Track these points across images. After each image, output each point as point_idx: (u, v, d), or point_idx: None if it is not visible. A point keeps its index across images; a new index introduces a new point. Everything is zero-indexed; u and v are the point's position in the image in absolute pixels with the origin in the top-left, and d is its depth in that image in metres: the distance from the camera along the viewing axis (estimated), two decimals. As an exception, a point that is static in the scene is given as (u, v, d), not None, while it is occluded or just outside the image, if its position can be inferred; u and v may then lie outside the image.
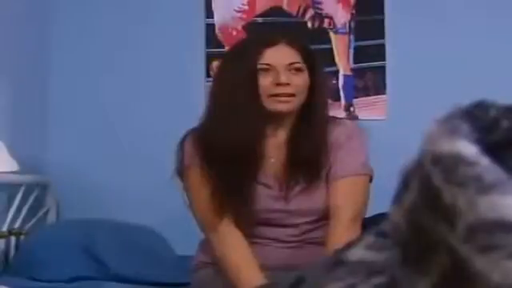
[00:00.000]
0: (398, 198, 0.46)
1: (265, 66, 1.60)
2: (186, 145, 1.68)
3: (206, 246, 1.70)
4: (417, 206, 0.43)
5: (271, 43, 1.62)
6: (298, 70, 1.61)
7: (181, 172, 1.70)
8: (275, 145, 1.66)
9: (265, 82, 1.59)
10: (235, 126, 1.58)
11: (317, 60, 1.68)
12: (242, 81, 1.59)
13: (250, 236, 1.64)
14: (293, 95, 1.60)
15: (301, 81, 1.61)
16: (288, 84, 1.59)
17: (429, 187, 0.42)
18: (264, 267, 1.58)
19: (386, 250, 0.47)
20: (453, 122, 0.43)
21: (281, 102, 1.60)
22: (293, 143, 1.64)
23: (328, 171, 1.63)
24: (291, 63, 1.61)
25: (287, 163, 1.64)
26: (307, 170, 1.62)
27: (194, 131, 1.69)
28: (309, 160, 1.62)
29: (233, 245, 1.61)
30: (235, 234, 1.61)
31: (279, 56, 1.61)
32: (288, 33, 1.71)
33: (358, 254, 0.51)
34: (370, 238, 0.51)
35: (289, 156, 1.64)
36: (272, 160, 1.66)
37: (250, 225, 1.63)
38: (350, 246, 0.52)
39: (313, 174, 1.62)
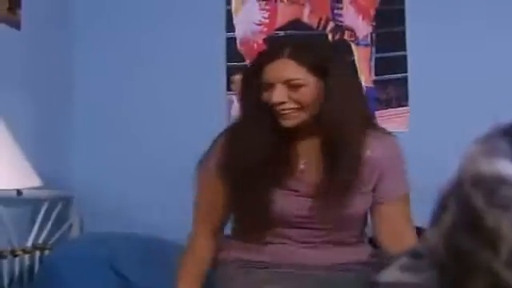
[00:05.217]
0: (435, 219, 0.44)
1: (265, 85, 1.60)
2: (218, 143, 1.72)
3: (224, 243, 1.75)
4: (456, 228, 0.42)
5: (272, 59, 1.60)
6: (298, 85, 1.57)
7: (201, 164, 1.74)
8: (304, 153, 1.66)
9: (266, 99, 1.61)
10: (250, 139, 1.62)
11: (331, 66, 1.60)
12: (250, 97, 1.64)
13: (268, 235, 1.67)
14: (296, 109, 1.58)
15: (301, 97, 1.58)
16: (283, 102, 1.57)
17: (469, 209, 0.40)
18: (277, 265, 1.64)
19: (421, 272, 0.46)
20: (492, 141, 0.42)
21: (282, 118, 1.59)
22: (325, 157, 1.62)
23: (375, 188, 1.66)
24: (289, 80, 1.57)
25: (322, 173, 1.62)
26: (343, 183, 1.61)
27: (229, 130, 1.74)
28: (345, 174, 1.60)
29: (194, 252, 1.72)
30: (203, 246, 1.72)
31: (277, 72, 1.58)
32: (294, 42, 1.66)
33: (392, 275, 0.50)
34: (404, 259, 0.50)
35: (323, 168, 1.62)
36: (301, 166, 1.66)
37: (269, 228, 1.67)
38: (384, 267, 0.51)
39: (348, 187, 1.62)
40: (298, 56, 1.58)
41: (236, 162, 1.63)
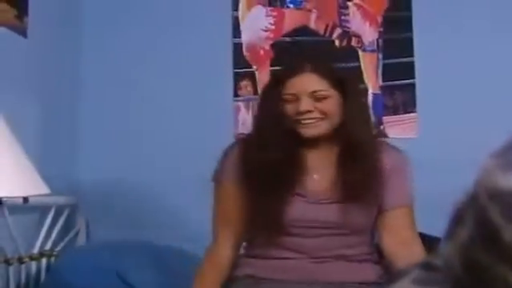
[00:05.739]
0: (450, 233, 0.44)
1: (289, 97, 1.66)
2: (229, 155, 1.74)
3: (240, 259, 1.74)
4: (473, 242, 0.41)
5: (294, 73, 1.67)
6: (323, 97, 1.65)
7: (215, 180, 1.76)
8: (318, 164, 1.70)
9: (290, 110, 1.66)
10: (267, 148, 1.66)
11: (348, 82, 1.71)
12: (268, 110, 1.70)
13: (279, 248, 1.67)
14: (320, 119, 1.65)
15: (326, 106, 1.65)
16: (310, 111, 1.64)
17: (486, 223, 0.40)
18: (286, 281, 1.63)
19: (435, 285, 0.45)
20: (508, 154, 0.41)
21: (304, 127, 1.65)
22: (341, 167, 1.68)
23: (380, 196, 1.68)
24: (314, 91, 1.65)
25: (334, 184, 1.67)
26: (355, 194, 1.65)
27: (240, 142, 1.78)
28: (359, 185, 1.65)
29: (213, 262, 1.71)
30: (223, 257, 1.71)
31: (303, 85, 1.66)
32: (315, 58, 1.73)
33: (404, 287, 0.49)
34: (416, 272, 0.49)
35: (341, 173, 1.67)
36: (315, 176, 1.69)
37: (279, 234, 1.67)
38: (395, 279, 0.50)
39: (360, 197, 1.66)
40: (320, 70, 1.66)
41: (253, 164, 1.67)
